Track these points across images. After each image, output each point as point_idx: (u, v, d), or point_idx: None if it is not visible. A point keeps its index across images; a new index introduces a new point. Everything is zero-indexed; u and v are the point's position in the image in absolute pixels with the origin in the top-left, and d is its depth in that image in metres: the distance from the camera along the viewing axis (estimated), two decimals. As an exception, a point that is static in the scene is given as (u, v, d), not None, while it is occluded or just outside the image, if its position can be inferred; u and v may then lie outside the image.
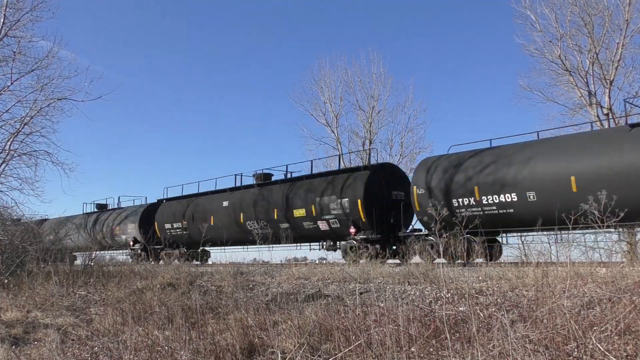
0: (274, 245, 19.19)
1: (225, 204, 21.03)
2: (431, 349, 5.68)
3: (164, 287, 12.82)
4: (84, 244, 30.09)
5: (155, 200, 26.94)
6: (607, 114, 20.42)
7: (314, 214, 17.12)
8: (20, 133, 18.09)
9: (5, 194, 18.73)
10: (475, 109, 62.50)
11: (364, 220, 15.70)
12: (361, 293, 9.22)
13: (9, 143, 18.02)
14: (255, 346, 6.93)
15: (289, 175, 20.26)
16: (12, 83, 17.93)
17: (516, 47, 43.80)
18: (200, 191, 23.85)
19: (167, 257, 24.04)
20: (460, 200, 13.64)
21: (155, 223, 24.91)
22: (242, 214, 19.92)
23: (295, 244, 18.97)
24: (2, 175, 18.07)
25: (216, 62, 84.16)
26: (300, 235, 18.11)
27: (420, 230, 15.45)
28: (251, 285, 12.09)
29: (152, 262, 23.17)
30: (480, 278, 9.11)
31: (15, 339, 9.75)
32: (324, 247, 17.76)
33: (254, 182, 20.77)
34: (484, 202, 13.17)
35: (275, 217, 18.51)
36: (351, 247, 16.13)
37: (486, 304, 7.15)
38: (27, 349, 9.06)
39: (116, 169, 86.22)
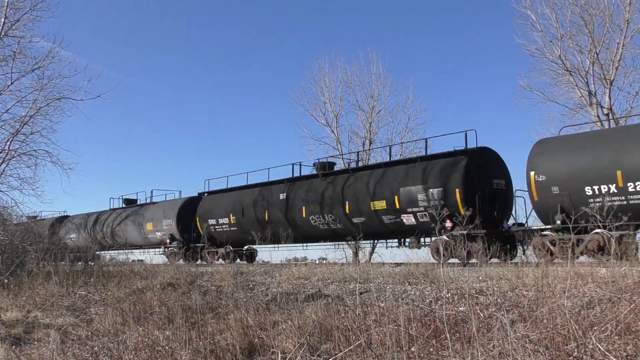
0: (340, 243, 17.31)
1: (282, 196, 18.67)
2: (431, 349, 5.68)
3: (164, 287, 12.82)
4: (109, 241, 28.23)
5: (196, 194, 24.53)
6: (607, 114, 20.43)
7: (398, 206, 15.03)
8: (20, 133, 18.12)
9: (5, 194, 18.75)
10: (475, 109, 62.51)
11: (462, 212, 13.32)
12: (361, 293, 9.22)
13: (9, 143, 18.05)
14: (255, 346, 6.93)
15: (349, 165, 18.48)
16: (12, 83, 17.98)
17: (516, 47, 43.80)
18: (249, 183, 21.53)
19: (211, 256, 21.96)
20: (595, 187, 11.58)
21: (197, 219, 22.49)
22: (304, 208, 17.74)
23: (368, 241, 16.68)
24: (2, 175, 18.08)
25: (216, 62, 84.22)
26: (377, 232, 16.15)
27: (524, 224, 13.57)
28: (251, 285, 12.09)
29: (191, 262, 21.41)
30: (480, 278, 9.11)
31: (16, 339, 9.75)
32: (406, 243, 15.66)
33: (316, 172, 18.66)
34: (630, 189, 11.13)
35: (347, 210, 16.37)
36: (446, 244, 13.95)
37: (486, 304, 7.15)
38: (27, 349, 9.05)
39: (116, 169, 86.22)
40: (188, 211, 23.56)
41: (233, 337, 7.12)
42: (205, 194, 23.40)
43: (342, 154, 28.41)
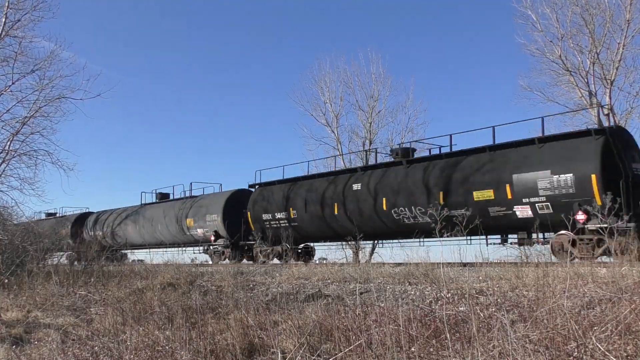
0: (428, 240, 14.83)
1: (356, 187, 16.53)
2: (431, 349, 5.68)
3: (164, 287, 12.83)
4: (139, 240, 26.86)
5: (247, 186, 22.34)
6: (608, 114, 20.43)
7: (510, 197, 13.03)
8: (20, 133, 18.12)
9: (6, 194, 18.76)
10: (475, 109, 62.44)
11: (599, 203, 11.45)
12: (361, 293, 9.22)
13: (9, 143, 18.06)
14: (255, 346, 6.94)
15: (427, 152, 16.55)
16: (13, 83, 17.97)
17: (516, 47, 43.79)
18: (309, 173, 19.45)
19: (264, 255, 19.58)
20: None
21: (248, 213, 20.19)
22: (384, 200, 15.55)
23: (465, 237, 13.41)
24: (2, 175, 18.09)
25: (216, 62, 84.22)
26: (484, 226, 13.23)
27: None
28: (251, 285, 12.10)
29: (239, 261, 19.50)
30: (480, 278, 9.11)
31: (16, 339, 9.76)
32: (515, 240, 13.42)
33: (394, 159, 16.77)
34: None
35: (442, 201, 14.13)
36: (573, 241, 11.87)
37: (486, 304, 7.15)
38: (27, 349, 9.06)
39: (115, 169, 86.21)
40: (235, 205, 21.41)
41: (233, 337, 7.13)
42: (257, 186, 21.00)
43: (342, 154, 28.45)
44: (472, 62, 66.44)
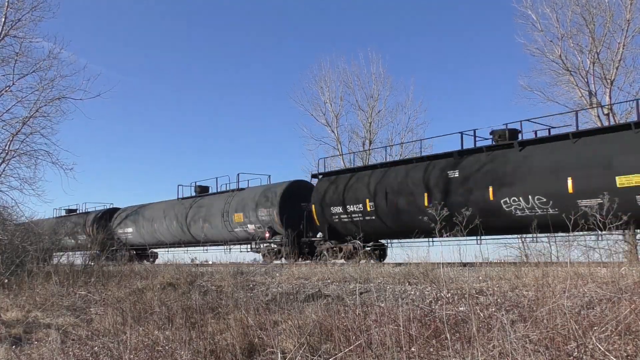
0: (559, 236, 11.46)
1: (452, 174, 14.00)
2: (431, 349, 5.68)
3: (164, 287, 12.83)
4: (172, 238, 24.24)
5: (309, 176, 19.88)
6: (608, 114, 20.43)
7: None
8: (20, 133, 18.13)
9: (6, 194, 18.76)
10: (475, 109, 62.29)
11: None
12: (361, 293, 9.22)
13: (9, 143, 18.06)
14: (255, 346, 6.93)
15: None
16: (13, 83, 17.97)
17: (517, 46, 43.82)
18: (388, 159, 16.88)
19: (332, 254, 16.86)
20: None
21: (313, 206, 17.66)
22: (491, 189, 13.04)
23: (591, 233, 10.80)
24: (2, 175, 18.10)
25: (216, 62, 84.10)
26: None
27: None
28: (251, 285, 12.09)
29: (298, 262, 16.43)
30: (480, 278, 9.11)
31: (16, 339, 9.76)
32: None
33: (496, 142, 14.01)
34: None
35: (571, 189, 11.72)
36: None
37: (486, 304, 7.14)
38: (27, 349, 9.06)
39: (115, 168, 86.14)
40: (292, 198, 18.94)
41: (233, 337, 7.13)
42: (321, 176, 18.42)
43: (342, 154, 28.46)
44: (472, 62, 66.33)
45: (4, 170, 18.14)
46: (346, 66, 30.42)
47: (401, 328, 5.91)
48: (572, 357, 4.77)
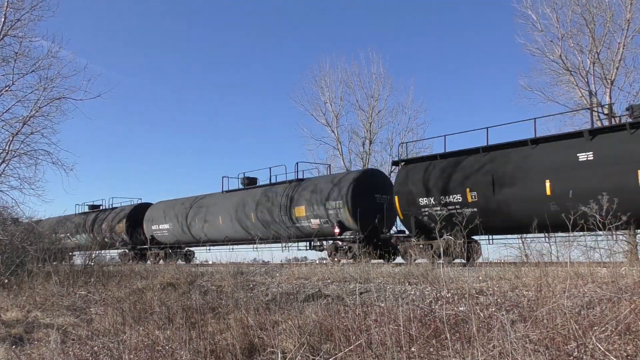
0: None
1: (584, 156, 11.78)
2: (431, 349, 5.68)
3: (164, 287, 12.83)
4: (217, 235, 21.88)
5: (392, 165, 17.38)
6: (608, 114, 20.41)
7: None
8: (20, 133, 18.11)
9: (6, 194, 18.75)
10: (475, 109, 62.35)
11: None
12: (361, 293, 9.22)
13: (9, 143, 18.05)
14: (255, 346, 6.94)
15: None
16: (13, 83, 17.96)
17: (517, 46, 43.81)
18: (490, 142, 13.85)
19: (417, 251, 14.16)
20: None
21: (396, 197, 15.25)
22: (639, 172, 10.92)
23: None
24: (2, 175, 18.08)
25: (216, 62, 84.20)
26: None
27: None
28: (251, 285, 12.09)
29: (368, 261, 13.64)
30: (480, 278, 9.11)
31: (16, 339, 9.76)
32: None
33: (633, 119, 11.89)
34: None
35: None
36: None
37: (486, 304, 7.14)
38: (27, 349, 9.07)
39: (115, 169, 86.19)
40: (363, 189, 16.88)
41: (233, 337, 7.13)
42: (403, 163, 15.96)
43: (342, 154, 28.46)
44: (472, 62, 66.41)
45: (4, 170, 18.12)
46: (346, 66, 30.44)
47: (401, 328, 5.91)
48: (572, 357, 4.77)
